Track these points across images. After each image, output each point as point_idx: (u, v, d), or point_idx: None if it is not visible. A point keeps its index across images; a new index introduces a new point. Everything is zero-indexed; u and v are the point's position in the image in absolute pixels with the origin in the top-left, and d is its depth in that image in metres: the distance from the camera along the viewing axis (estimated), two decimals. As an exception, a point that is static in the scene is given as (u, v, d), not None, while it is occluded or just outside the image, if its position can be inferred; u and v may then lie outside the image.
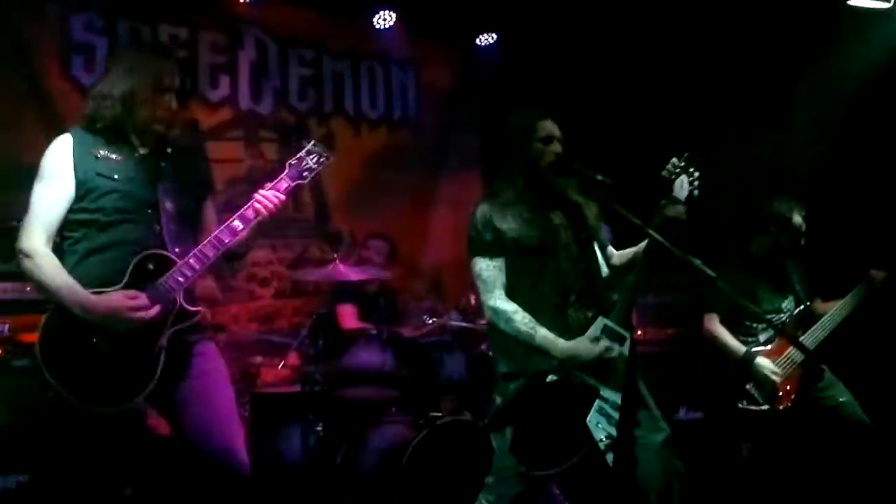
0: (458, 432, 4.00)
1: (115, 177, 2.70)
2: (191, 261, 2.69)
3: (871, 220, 4.84)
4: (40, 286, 2.63)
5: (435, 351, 4.55)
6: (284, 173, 2.90)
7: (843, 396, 4.19)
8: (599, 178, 2.83)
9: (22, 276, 3.38)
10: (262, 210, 2.79)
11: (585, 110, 5.18)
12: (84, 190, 2.67)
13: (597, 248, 3.01)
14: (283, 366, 4.63)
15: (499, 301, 2.85)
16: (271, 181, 2.87)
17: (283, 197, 2.84)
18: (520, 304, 2.84)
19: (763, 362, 4.14)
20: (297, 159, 2.93)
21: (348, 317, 4.77)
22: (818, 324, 4.25)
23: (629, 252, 3.10)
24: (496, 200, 2.93)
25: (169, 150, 2.84)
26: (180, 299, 2.68)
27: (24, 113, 4.64)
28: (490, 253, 2.89)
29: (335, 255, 4.56)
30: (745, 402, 4.17)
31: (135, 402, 2.61)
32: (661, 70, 5.65)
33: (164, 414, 2.80)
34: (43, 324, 2.63)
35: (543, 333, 2.79)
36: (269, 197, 2.81)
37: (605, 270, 3.02)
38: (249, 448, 2.78)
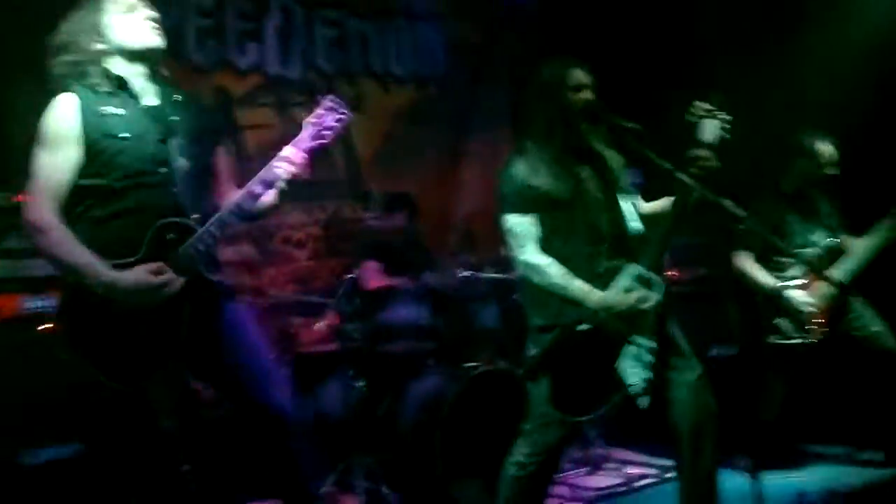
0: (495, 382, 4.09)
1: (124, 135, 2.53)
2: (211, 228, 2.57)
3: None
4: (57, 263, 2.49)
5: (470, 303, 4.63)
6: (304, 132, 2.74)
7: (876, 326, 4.22)
8: (629, 125, 2.84)
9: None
10: (282, 173, 2.65)
11: (616, 61, 5.15)
12: (92, 153, 2.50)
13: (623, 198, 3.05)
14: (321, 325, 4.73)
15: (532, 255, 2.90)
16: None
17: (303, 157, 2.68)
18: (553, 256, 2.89)
19: (795, 294, 4.18)
20: (315, 117, 2.76)
21: (372, 273, 4.82)
22: (848, 256, 4.27)
23: (662, 202, 3.10)
24: (527, 155, 2.96)
25: (178, 97, 2.71)
26: (202, 268, 2.58)
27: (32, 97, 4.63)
28: (522, 209, 2.92)
29: (366, 214, 4.63)
30: (776, 337, 4.23)
31: (157, 376, 2.52)
32: (688, 16, 5.58)
33: (203, 380, 2.80)
34: (61, 302, 2.54)
35: (578, 284, 2.84)
36: (289, 158, 2.67)
37: (637, 225, 3.05)
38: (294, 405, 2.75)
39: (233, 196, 2.69)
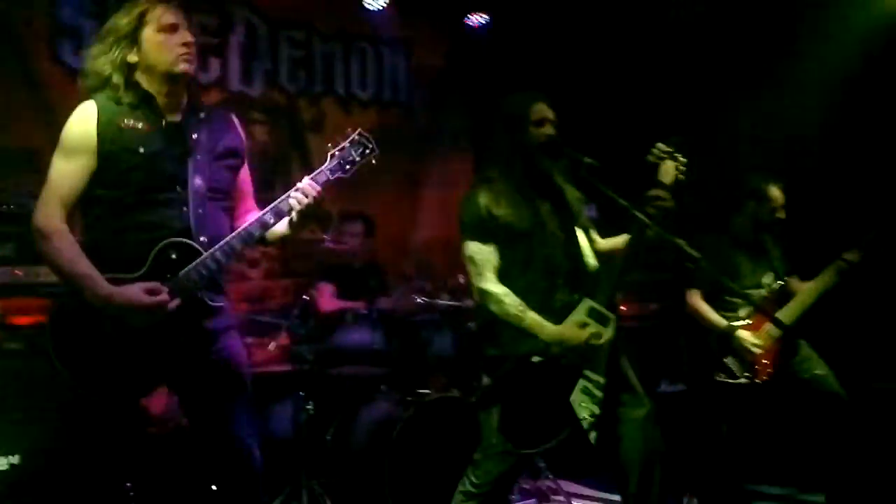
0: (447, 409, 4.09)
1: (141, 150, 2.49)
2: (216, 253, 2.51)
3: (850, 198, 4.94)
4: (58, 271, 2.45)
5: (424, 329, 4.64)
6: (325, 165, 2.65)
7: (820, 370, 4.31)
8: (587, 160, 2.87)
9: (9, 260, 3.36)
10: (295, 204, 2.57)
11: (574, 92, 5.24)
12: (107, 165, 2.48)
13: (580, 233, 3.09)
14: (272, 345, 4.69)
15: (489, 284, 2.91)
16: (310, 172, 2.65)
17: (319, 189, 2.59)
18: (509, 287, 2.90)
19: (743, 335, 4.26)
20: (340, 150, 2.67)
21: (326, 295, 4.81)
22: (795, 299, 4.37)
23: (618, 239, 3.15)
24: (489, 185, 2.98)
25: (202, 116, 2.65)
26: (202, 293, 2.52)
27: (14, 97, 4.64)
28: (483, 237, 2.93)
29: (325, 236, 4.62)
30: (723, 376, 4.30)
31: (144, 397, 2.51)
32: (647, 52, 5.70)
33: (182, 404, 2.71)
34: (54, 308, 2.50)
35: (532, 317, 2.86)
36: (305, 189, 2.58)
37: (593, 261, 3.09)
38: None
39: (248, 220, 2.62)
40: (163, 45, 2.55)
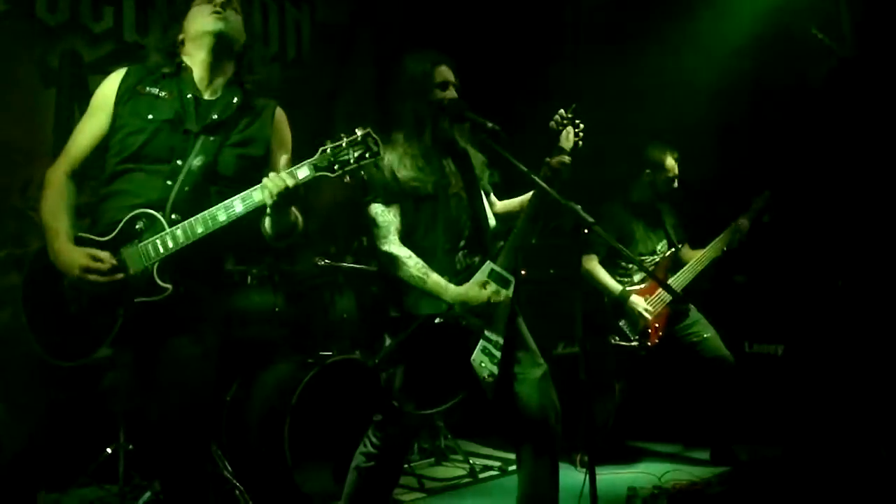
0: (348, 371, 4.11)
1: (150, 116, 2.47)
2: (177, 231, 2.40)
3: (742, 168, 5.15)
4: (40, 220, 2.49)
5: (326, 291, 4.62)
6: (309, 159, 2.42)
7: (707, 332, 4.53)
8: (490, 125, 2.89)
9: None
10: (269, 197, 2.37)
11: (479, 51, 5.27)
12: (115, 127, 2.51)
13: (482, 197, 3.13)
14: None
15: (392, 246, 2.92)
16: (295, 164, 2.43)
17: (293, 184, 2.37)
18: (412, 250, 2.92)
19: (636, 300, 4.42)
20: (334, 146, 2.40)
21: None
22: (686, 266, 4.56)
23: (514, 201, 3.23)
24: (393, 147, 2.97)
25: (234, 100, 2.58)
26: (154, 270, 2.40)
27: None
28: (387, 199, 2.94)
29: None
30: (617, 339, 4.46)
31: (84, 361, 2.44)
32: (549, 14, 5.76)
33: (134, 374, 2.56)
34: (30, 260, 2.56)
35: (435, 279, 2.89)
36: (277, 182, 2.37)
37: (492, 221, 3.14)
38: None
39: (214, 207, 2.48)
40: (199, 9, 2.58)
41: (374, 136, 2.40)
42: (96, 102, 2.56)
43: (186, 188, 2.46)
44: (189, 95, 2.55)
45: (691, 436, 4.87)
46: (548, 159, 3.03)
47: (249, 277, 4.45)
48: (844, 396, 4.48)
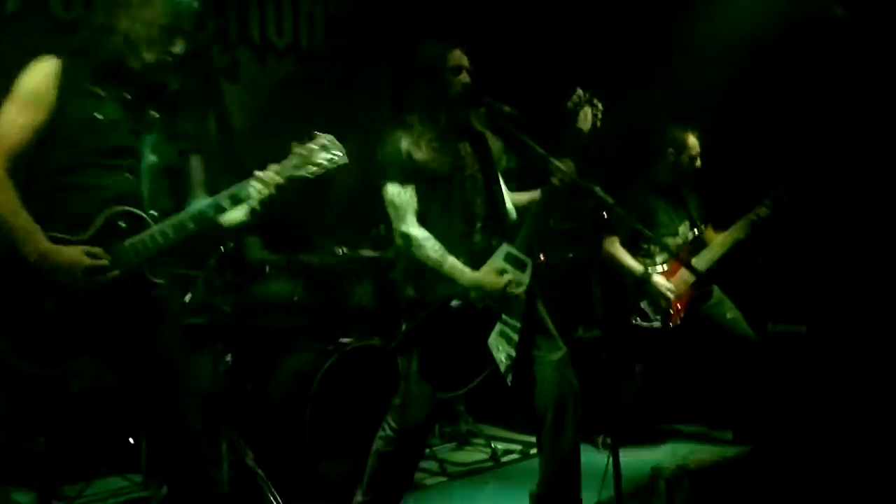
0: (367, 357, 4.10)
1: (97, 115, 2.43)
2: (167, 228, 2.44)
3: (766, 152, 5.07)
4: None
5: (344, 280, 4.61)
6: (284, 161, 2.55)
7: (731, 313, 4.48)
8: (507, 109, 2.89)
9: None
10: (254, 193, 2.48)
11: (494, 40, 5.22)
12: (60, 122, 2.41)
13: (499, 180, 3.11)
14: (188, 297, 4.60)
15: (410, 227, 2.92)
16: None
17: (282, 181, 2.51)
18: (429, 231, 2.91)
19: (659, 280, 4.38)
20: (305, 149, 2.57)
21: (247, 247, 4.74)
22: (708, 248, 4.51)
23: (523, 198, 3.19)
24: (408, 129, 2.97)
25: (168, 95, 2.59)
26: (144, 267, 2.44)
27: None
28: (403, 179, 2.93)
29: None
30: (638, 320, 4.42)
31: (68, 367, 2.42)
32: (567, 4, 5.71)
33: (118, 375, 2.57)
34: None
35: (452, 262, 2.88)
36: (263, 180, 2.49)
37: (511, 207, 3.11)
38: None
39: (203, 202, 2.53)
40: (157, 47, 2.51)
41: (336, 142, 2.61)
42: (31, 93, 2.40)
43: (153, 185, 2.49)
44: (126, 93, 2.52)
45: (715, 417, 4.83)
46: (565, 140, 3.00)
47: (267, 267, 4.45)
48: (863, 377, 4.42)
